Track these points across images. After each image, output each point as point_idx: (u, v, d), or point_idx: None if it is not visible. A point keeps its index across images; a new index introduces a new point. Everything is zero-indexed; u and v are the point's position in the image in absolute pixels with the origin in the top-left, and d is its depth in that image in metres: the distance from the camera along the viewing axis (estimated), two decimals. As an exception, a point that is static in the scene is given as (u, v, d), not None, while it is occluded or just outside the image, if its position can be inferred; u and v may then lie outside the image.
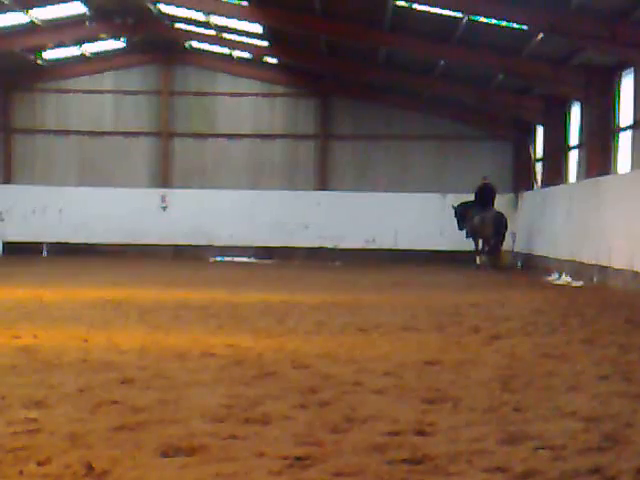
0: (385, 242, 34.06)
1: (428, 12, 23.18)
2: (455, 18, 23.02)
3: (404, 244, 33.94)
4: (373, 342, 10.80)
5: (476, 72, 28.35)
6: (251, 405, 6.85)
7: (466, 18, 22.62)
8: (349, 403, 7.02)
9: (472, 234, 29.56)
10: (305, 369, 8.65)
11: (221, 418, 6.40)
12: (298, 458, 5.31)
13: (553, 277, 24.61)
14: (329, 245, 33.80)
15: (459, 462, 5.28)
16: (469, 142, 34.41)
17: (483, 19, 22.54)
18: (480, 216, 28.80)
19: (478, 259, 29.52)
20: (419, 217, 33.90)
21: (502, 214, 29.00)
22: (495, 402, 7.13)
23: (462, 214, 29.91)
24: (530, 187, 32.39)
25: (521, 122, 32.73)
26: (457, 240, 33.79)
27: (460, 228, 30.13)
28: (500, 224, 28.70)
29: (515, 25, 22.43)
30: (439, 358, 9.47)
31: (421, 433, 6.03)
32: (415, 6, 22.89)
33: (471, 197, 29.78)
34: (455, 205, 30.40)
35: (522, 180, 33.14)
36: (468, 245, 33.59)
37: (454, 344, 10.71)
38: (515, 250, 32.93)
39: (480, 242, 29.52)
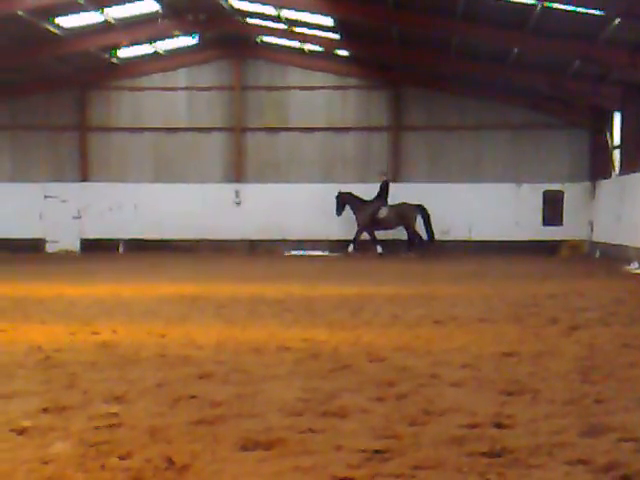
0: (459, 233, 33.86)
1: (501, 0, 22.91)
2: (529, 5, 22.73)
3: (479, 235, 33.71)
4: (449, 334, 10.72)
5: (551, 59, 27.96)
6: (328, 398, 6.85)
7: (540, 5, 22.31)
8: (426, 396, 6.98)
9: (373, 225, 31.97)
10: (381, 362, 8.62)
11: (298, 412, 6.41)
12: (376, 451, 5.29)
13: (633, 266, 24.19)
14: (403, 237, 33.66)
15: (540, 455, 5.22)
16: (544, 130, 33.97)
17: (557, 5, 22.19)
18: (395, 209, 31.65)
19: (379, 248, 31.76)
20: (494, 207, 33.65)
21: (422, 206, 31.65)
22: (575, 394, 7.03)
23: (347, 202, 32.47)
24: (608, 175, 31.88)
25: (598, 109, 32.21)
26: (533, 230, 33.50)
27: (338, 214, 32.63)
28: (427, 213, 31.56)
29: (590, 11, 22.05)
30: (517, 350, 9.37)
31: (500, 426, 5.98)
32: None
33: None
34: (342, 192, 32.59)
35: (599, 168, 32.63)
36: (545, 235, 33.38)
37: (532, 335, 10.59)
38: (593, 239, 32.50)
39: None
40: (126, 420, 6.14)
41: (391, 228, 31.97)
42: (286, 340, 10.05)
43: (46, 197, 34.90)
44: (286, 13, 29.23)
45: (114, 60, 33.85)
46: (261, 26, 32.20)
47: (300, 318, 12.40)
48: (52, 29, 28.48)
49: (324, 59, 34.60)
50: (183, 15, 30.07)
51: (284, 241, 34.38)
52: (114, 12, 28.51)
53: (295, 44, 33.72)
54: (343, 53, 34.10)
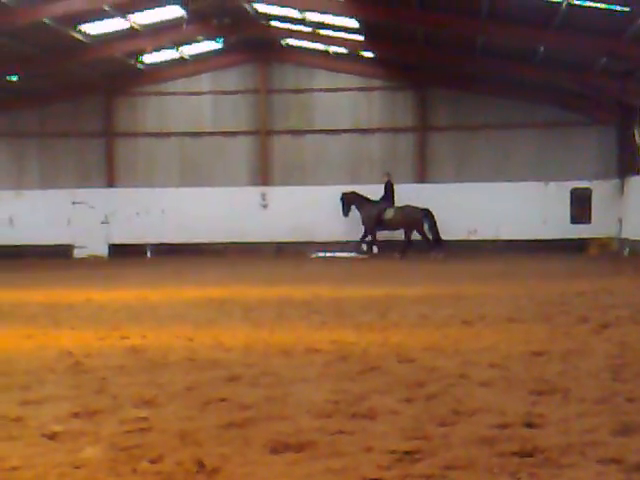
0: (487, 232, 33.74)
1: (526, -2, 22.83)
2: (554, 3, 22.62)
3: (506, 234, 33.58)
4: (478, 334, 10.68)
5: (577, 57, 27.79)
6: (357, 400, 6.84)
7: (565, 2, 22.20)
8: (456, 396, 6.95)
9: (378, 226, 32.07)
10: (410, 363, 8.60)
11: (328, 413, 6.40)
12: (406, 452, 5.27)
13: (662, 263, 24.00)
14: (430, 237, 33.57)
15: (571, 454, 5.18)
16: (571, 128, 33.79)
17: (583, 2, 22.06)
18: (401, 211, 31.55)
19: (375, 248, 32.49)
20: (521, 206, 33.49)
21: (428, 209, 31.34)
22: (606, 392, 6.97)
23: (352, 202, 32.73)
24: (636, 172, 31.66)
25: (625, 106, 31.99)
26: (561, 228, 33.33)
27: (345, 215, 33.02)
28: (433, 216, 31.12)
29: (616, 7, 21.90)
30: (546, 349, 9.31)
31: (530, 425, 5.94)
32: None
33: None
34: (346, 192, 32.92)
35: (628, 165, 32.40)
36: (573, 233, 33.18)
37: (562, 334, 10.53)
38: (622, 237, 32.28)
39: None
40: (156, 424, 6.15)
41: (397, 229, 31.91)
42: (315, 342, 10.04)
43: (74, 203, 35.10)
44: (311, 16, 29.26)
45: (140, 66, 34.00)
46: (286, 29, 32.25)
47: (328, 320, 12.39)
48: (78, 36, 28.65)
49: (349, 61, 34.60)
50: (208, 20, 30.14)
51: (311, 243, 34.38)
52: (139, 18, 28.65)
53: (320, 46, 33.74)
54: (368, 55, 34.09)
